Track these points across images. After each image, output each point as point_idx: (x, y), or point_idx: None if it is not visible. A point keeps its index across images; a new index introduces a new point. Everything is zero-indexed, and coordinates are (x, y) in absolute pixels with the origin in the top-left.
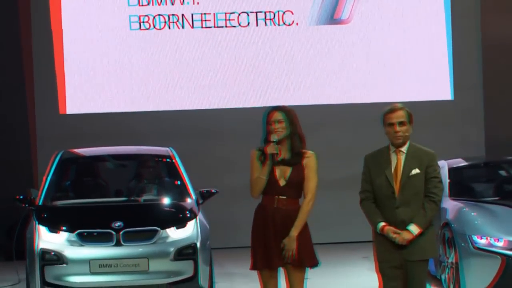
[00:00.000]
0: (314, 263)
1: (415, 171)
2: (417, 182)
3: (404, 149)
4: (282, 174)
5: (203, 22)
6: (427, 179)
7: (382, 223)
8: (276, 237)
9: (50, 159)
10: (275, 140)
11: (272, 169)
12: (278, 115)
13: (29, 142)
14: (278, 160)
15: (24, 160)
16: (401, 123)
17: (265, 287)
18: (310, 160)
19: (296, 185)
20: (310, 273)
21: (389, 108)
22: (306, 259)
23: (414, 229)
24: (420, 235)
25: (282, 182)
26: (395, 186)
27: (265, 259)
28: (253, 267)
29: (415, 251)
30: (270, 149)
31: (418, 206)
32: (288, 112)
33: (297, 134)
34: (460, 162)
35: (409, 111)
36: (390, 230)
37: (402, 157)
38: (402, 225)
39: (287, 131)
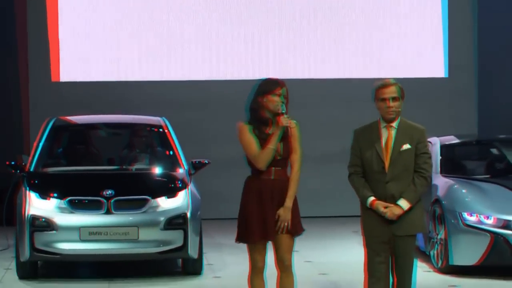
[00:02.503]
0: (301, 231)
1: (406, 146)
2: (407, 157)
3: (395, 124)
4: (280, 146)
5: None
6: (417, 154)
7: (372, 198)
8: (274, 209)
9: (41, 126)
10: (283, 111)
11: (265, 143)
12: (284, 89)
13: (20, 108)
14: (268, 133)
15: (16, 126)
16: (394, 99)
17: (255, 259)
18: (295, 130)
19: (287, 157)
20: (299, 246)
21: (381, 83)
22: (296, 228)
23: (404, 204)
24: (409, 210)
25: (277, 155)
26: (386, 161)
27: (262, 232)
28: (249, 240)
29: (403, 226)
30: (285, 122)
31: (408, 181)
32: (285, 85)
33: (287, 107)
34: (452, 140)
35: (401, 87)
36: (379, 204)
37: (393, 132)
38: (391, 200)
39: (283, 104)
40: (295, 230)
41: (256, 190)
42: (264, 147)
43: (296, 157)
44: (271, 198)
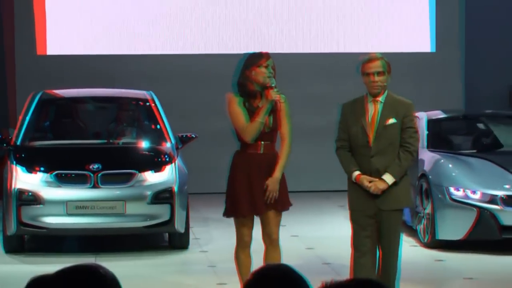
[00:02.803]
0: (288, 206)
1: (391, 120)
2: (392, 131)
3: (381, 98)
4: (268, 120)
5: None
6: (403, 129)
7: (357, 172)
8: (261, 183)
9: (27, 100)
10: (273, 84)
11: (254, 116)
12: (271, 61)
13: (6, 82)
14: (257, 106)
15: (1, 100)
16: (379, 73)
17: (242, 234)
18: (283, 104)
19: (275, 130)
20: (285, 220)
21: (367, 58)
22: (283, 203)
23: (388, 178)
24: (395, 184)
25: (266, 129)
26: (370, 135)
27: (251, 206)
28: (237, 214)
29: (388, 201)
30: (274, 95)
31: (394, 155)
32: (271, 57)
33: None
34: (439, 114)
35: (387, 61)
36: (364, 178)
37: (379, 107)
38: (376, 174)
39: (272, 76)
40: (282, 205)
41: (244, 165)
42: (252, 120)
43: (285, 131)
44: (258, 172)
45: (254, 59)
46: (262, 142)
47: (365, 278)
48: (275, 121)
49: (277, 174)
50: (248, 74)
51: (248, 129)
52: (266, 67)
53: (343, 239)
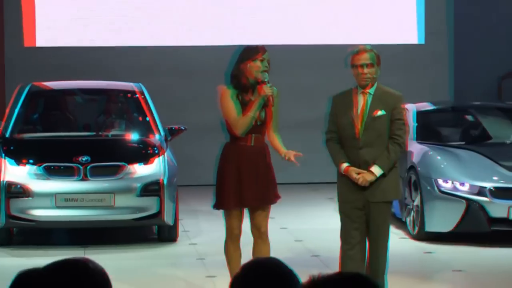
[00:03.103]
0: (276, 199)
1: (380, 112)
2: (381, 123)
3: (370, 90)
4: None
5: None
6: (392, 121)
7: (346, 164)
8: (250, 175)
9: (14, 92)
10: (265, 79)
11: (246, 110)
12: (267, 55)
13: None
14: (250, 99)
15: None
16: (368, 65)
17: (231, 226)
18: (276, 97)
19: (266, 123)
20: (274, 213)
21: (356, 50)
22: (272, 196)
23: (376, 170)
24: (383, 176)
25: (257, 122)
26: (358, 127)
27: (239, 198)
28: (226, 206)
29: (377, 193)
30: (268, 91)
31: (382, 147)
32: (266, 51)
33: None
34: (428, 106)
35: (376, 53)
36: (352, 170)
37: (368, 99)
38: (365, 166)
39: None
40: (271, 197)
41: (233, 156)
42: (244, 114)
43: (277, 123)
44: (248, 164)
45: (249, 53)
46: (253, 135)
47: (353, 272)
48: (266, 115)
49: (281, 149)
50: (242, 67)
51: (239, 123)
52: (262, 61)
53: (332, 232)
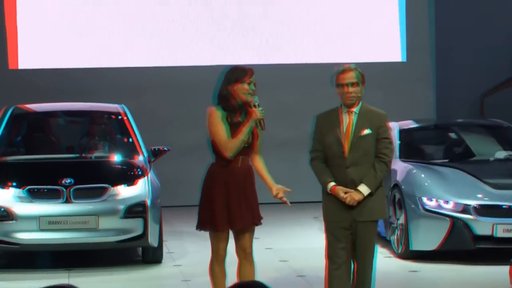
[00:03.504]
0: (259, 220)
1: (366, 131)
2: (367, 142)
3: (355, 109)
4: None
5: None
6: (378, 139)
7: (332, 183)
8: (238, 197)
9: None
10: (256, 103)
11: (236, 132)
12: (253, 78)
13: None
14: (239, 121)
15: None
16: (353, 84)
17: (218, 247)
18: (263, 120)
19: (253, 145)
20: (259, 233)
21: (341, 69)
22: (257, 216)
23: (363, 189)
24: (370, 195)
25: (245, 144)
26: (345, 146)
27: (227, 220)
28: (214, 228)
29: (364, 212)
30: (259, 115)
31: (369, 166)
32: (253, 73)
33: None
34: (411, 124)
35: (361, 72)
36: (340, 190)
37: (354, 118)
38: (352, 185)
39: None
40: (256, 219)
41: (221, 178)
42: (234, 137)
43: (260, 144)
44: (236, 186)
45: (237, 75)
46: (240, 157)
47: None
48: (253, 137)
49: (271, 183)
50: (230, 89)
51: (229, 145)
52: (249, 83)
53: (318, 251)
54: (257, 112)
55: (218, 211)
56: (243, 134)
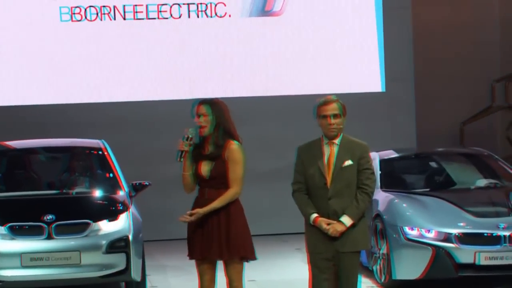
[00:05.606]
0: (252, 257)
1: (348, 162)
2: (349, 173)
3: (337, 141)
4: (208, 167)
5: (135, 14)
6: (360, 170)
7: (315, 215)
8: (210, 228)
9: None
10: (190, 135)
11: (198, 164)
12: (202, 109)
13: None
14: (206, 154)
15: None
16: (335, 116)
17: (203, 279)
18: (231, 151)
19: (220, 178)
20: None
21: (322, 100)
22: (247, 252)
23: (346, 220)
24: (352, 226)
25: (206, 176)
26: (328, 177)
27: (202, 251)
28: (191, 256)
29: (347, 243)
30: (181, 147)
31: (351, 197)
32: (214, 104)
33: (221, 127)
34: (391, 154)
35: (342, 104)
36: (322, 221)
37: (335, 149)
38: (334, 216)
39: (211, 124)
40: (246, 254)
41: (194, 208)
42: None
43: (232, 178)
44: (207, 217)
45: (193, 107)
46: (206, 189)
47: None
48: (216, 169)
49: (203, 209)
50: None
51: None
52: (199, 116)
53: (301, 283)
54: (180, 143)
55: (193, 241)
56: (184, 169)
